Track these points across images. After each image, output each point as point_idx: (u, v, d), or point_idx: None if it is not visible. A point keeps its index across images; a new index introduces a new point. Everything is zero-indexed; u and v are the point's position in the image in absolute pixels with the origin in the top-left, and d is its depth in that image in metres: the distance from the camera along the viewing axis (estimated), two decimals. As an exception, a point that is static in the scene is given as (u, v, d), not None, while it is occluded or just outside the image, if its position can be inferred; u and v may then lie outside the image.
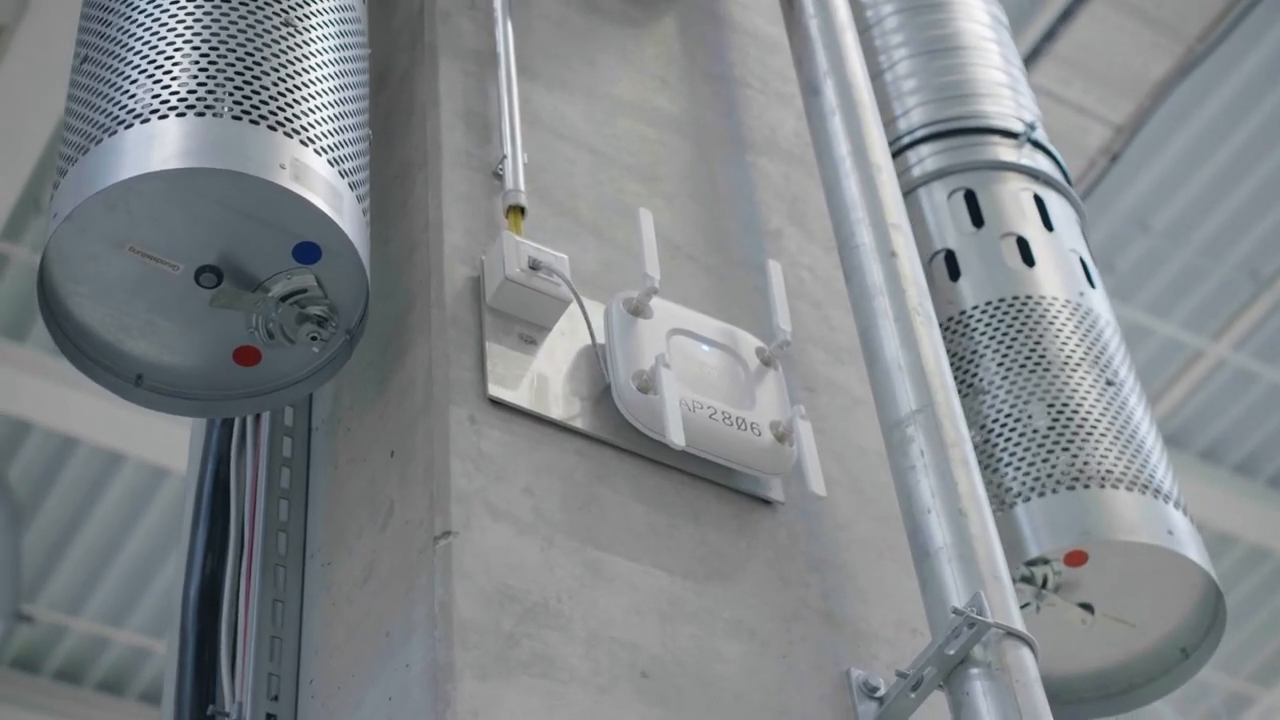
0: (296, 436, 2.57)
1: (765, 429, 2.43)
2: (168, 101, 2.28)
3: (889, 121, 3.24)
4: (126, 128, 2.27)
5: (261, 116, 2.29)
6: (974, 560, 2.29)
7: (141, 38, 2.36)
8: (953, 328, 2.95)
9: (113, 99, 2.31)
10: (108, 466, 8.75)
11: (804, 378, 2.64)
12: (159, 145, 2.25)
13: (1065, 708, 2.87)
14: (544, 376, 2.38)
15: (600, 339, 2.42)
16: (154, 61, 2.33)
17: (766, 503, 2.44)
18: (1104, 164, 7.35)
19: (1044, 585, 2.73)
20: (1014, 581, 2.68)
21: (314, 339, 2.35)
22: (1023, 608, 2.70)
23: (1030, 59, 7.08)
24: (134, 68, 2.33)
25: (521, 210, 2.52)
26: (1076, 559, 2.72)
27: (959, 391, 2.87)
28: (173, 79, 2.30)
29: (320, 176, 2.29)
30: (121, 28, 2.40)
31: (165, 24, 2.37)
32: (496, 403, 2.32)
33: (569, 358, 2.42)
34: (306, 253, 2.32)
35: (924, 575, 2.32)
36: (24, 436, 8.80)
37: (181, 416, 2.44)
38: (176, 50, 2.33)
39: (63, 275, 2.31)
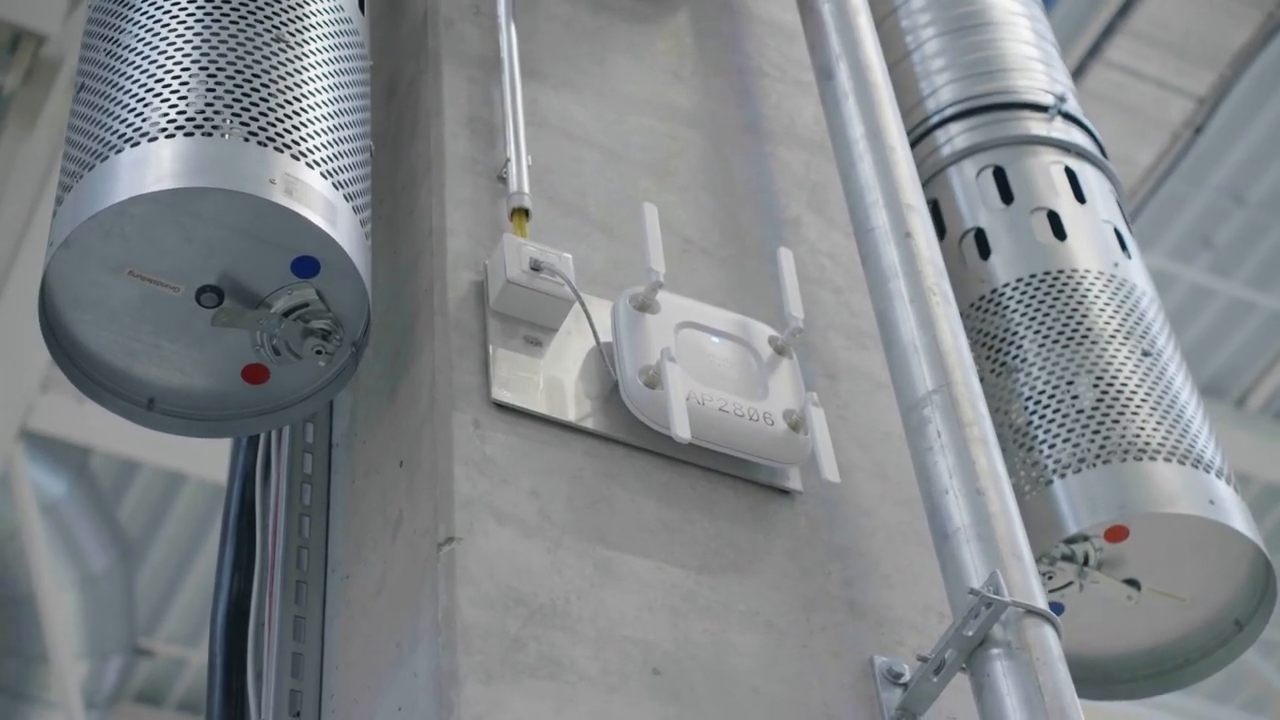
0: (317, 452, 2.57)
1: (778, 418, 2.40)
2: (158, 124, 2.29)
3: (917, 102, 3.20)
4: (118, 152, 2.28)
5: (252, 133, 2.29)
6: (993, 539, 2.25)
7: (133, 62, 2.37)
8: (985, 306, 2.91)
9: (104, 125, 2.32)
10: (215, 499, 8.83)
11: (825, 365, 2.61)
12: (149, 167, 2.25)
13: (1120, 686, 2.82)
14: (550, 377, 2.37)
15: (607, 337, 2.40)
16: (144, 85, 2.34)
17: (784, 492, 2.41)
18: (1188, 137, 7.25)
19: (1086, 563, 2.67)
20: (1055, 560, 2.66)
21: (319, 353, 2.34)
22: (1065, 586, 2.68)
23: (1105, 35, 7.00)
24: (125, 92, 2.34)
25: (526, 212, 2.51)
26: (1117, 534, 2.66)
27: (994, 371, 2.83)
28: (163, 101, 2.31)
29: (313, 189, 2.29)
30: (114, 54, 2.41)
31: (156, 47, 2.37)
32: (501, 406, 2.31)
33: (576, 357, 2.40)
34: (305, 267, 2.32)
35: (944, 557, 2.28)
36: (132, 475, 8.91)
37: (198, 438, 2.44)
38: (167, 73, 2.34)
39: (65, 303, 2.32)
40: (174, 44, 2.37)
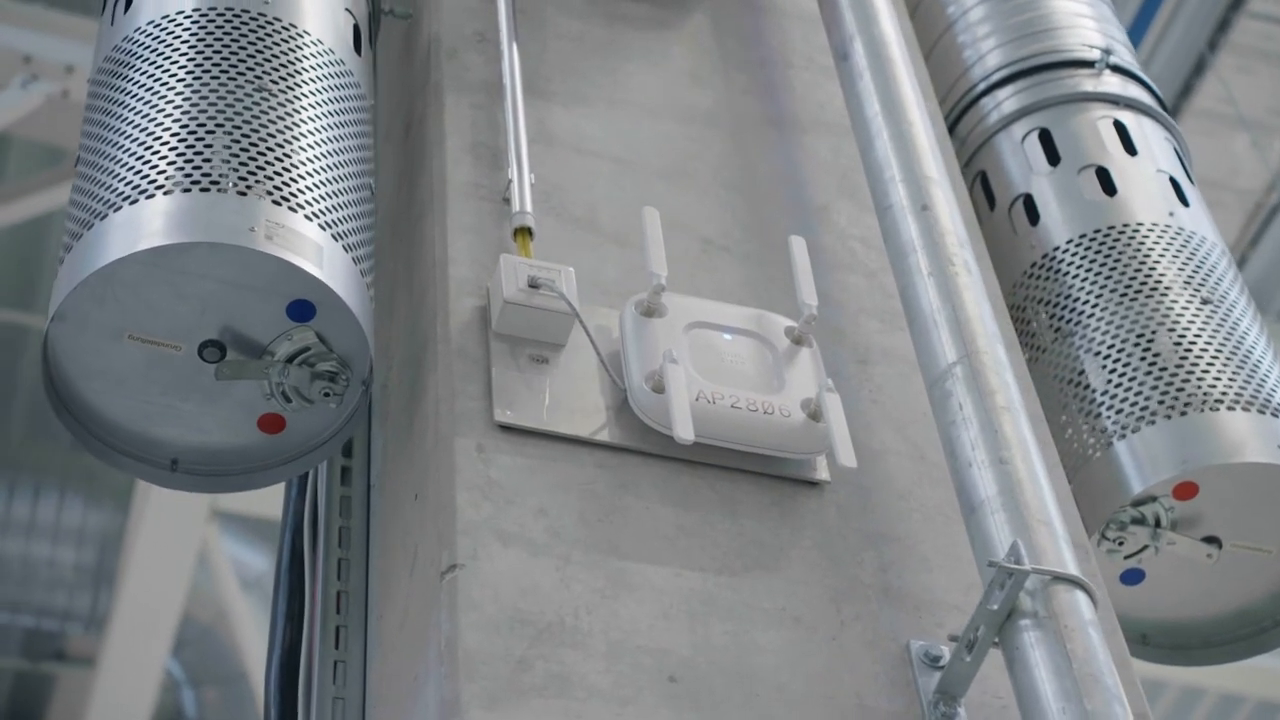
0: (356, 495, 2.56)
1: (795, 409, 2.34)
2: (138, 185, 2.29)
3: (964, 71, 3.13)
4: (102, 219, 2.29)
5: (232, 184, 2.29)
6: (1018, 508, 2.16)
7: (114, 126, 2.39)
8: (1037, 273, 2.83)
9: (91, 193, 2.34)
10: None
11: (857, 350, 2.55)
12: (129, 231, 2.26)
13: (1219, 649, 2.71)
14: (558, 394, 2.33)
15: (614, 347, 2.37)
16: (124, 148, 2.35)
17: (812, 484, 2.35)
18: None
19: (1158, 524, 2.57)
20: (1125, 525, 2.57)
21: (327, 395, 2.33)
22: (1140, 551, 2.59)
23: (1246, -13, 6.81)
24: (108, 158, 2.36)
25: (529, 231, 2.48)
26: (1186, 491, 2.56)
27: (1053, 338, 2.75)
28: (142, 162, 2.31)
29: (296, 233, 2.28)
30: (99, 121, 2.43)
31: (135, 109, 2.38)
32: (506, 428, 2.28)
33: (586, 370, 2.37)
34: (301, 310, 2.31)
35: (972, 531, 2.20)
36: (337, 543, 8.99)
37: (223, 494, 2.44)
38: (147, 134, 2.34)
39: (72, 373, 2.33)
40: (154, 105, 2.38)
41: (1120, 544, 2.57)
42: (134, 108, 2.40)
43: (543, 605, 2.11)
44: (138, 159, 2.33)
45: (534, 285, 2.37)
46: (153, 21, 2.51)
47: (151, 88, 2.41)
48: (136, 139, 2.36)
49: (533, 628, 2.09)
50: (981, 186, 3.00)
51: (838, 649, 2.18)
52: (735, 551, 2.25)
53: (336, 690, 2.36)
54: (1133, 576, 2.62)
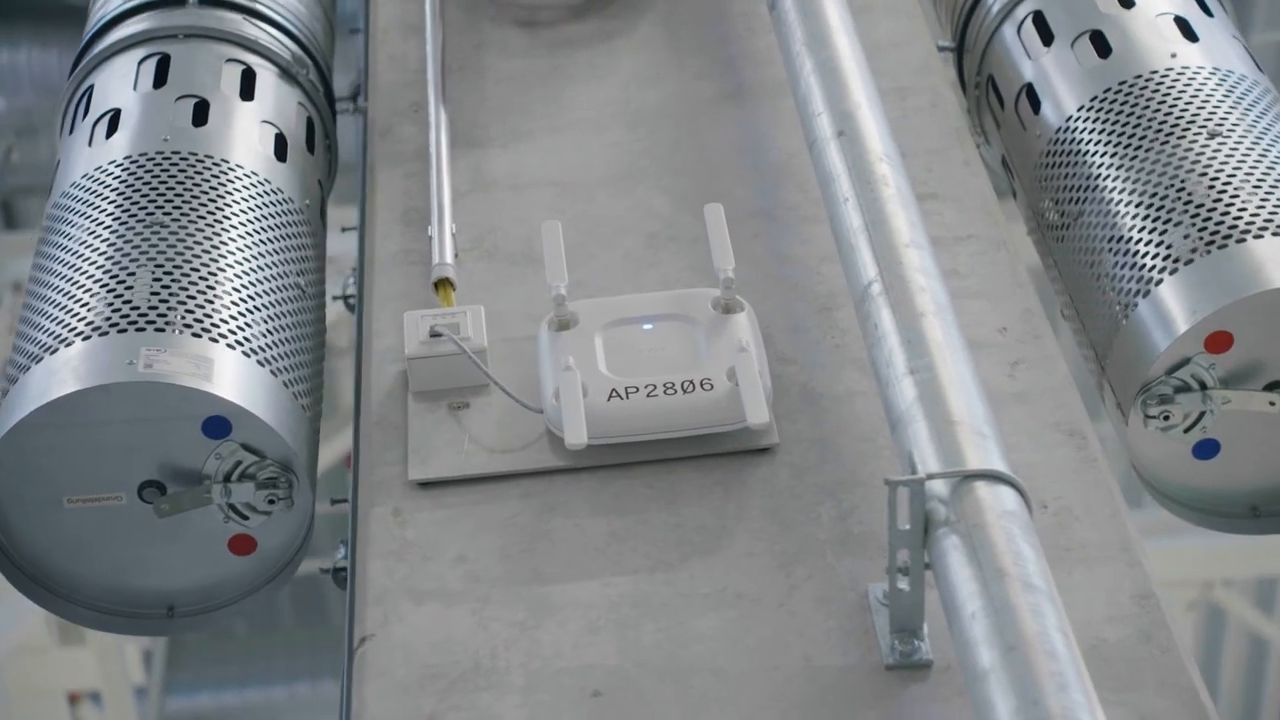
0: (378, 594, 2.49)
1: (720, 379, 2.19)
2: (31, 354, 2.30)
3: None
4: (4, 394, 2.31)
5: (113, 324, 2.27)
6: (924, 416, 1.97)
7: (26, 303, 2.42)
8: (1047, 161, 2.59)
9: (3, 373, 2.36)
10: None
11: (819, 299, 2.39)
12: (23, 398, 2.26)
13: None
14: (479, 436, 2.24)
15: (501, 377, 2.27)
16: (28, 321, 2.37)
17: (760, 451, 2.19)
18: None
19: (1204, 387, 2.31)
20: (1171, 398, 2.32)
21: (273, 502, 2.29)
22: (1200, 420, 2.33)
23: None
24: (19, 335, 2.38)
25: (449, 282, 2.40)
26: (1219, 342, 2.29)
27: (1069, 229, 2.53)
28: (37, 329, 2.33)
29: (179, 355, 2.24)
30: (24, 301, 2.46)
31: (40, 279, 2.42)
32: (426, 484, 2.19)
33: (508, 405, 2.26)
34: (216, 427, 2.27)
35: (898, 450, 2.01)
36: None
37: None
38: (45, 300, 2.36)
39: (38, 550, 2.33)
40: (54, 271, 2.40)
41: (1167, 418, 2.32)
42: (40, 279, 2.43)
43: (457, 654, 2.01)
44: (35, 327, 2.34)
45: (435, 334, 2.29)
46: (63, 191, 2.54)
47: (53, 254, 2.43)
48: (37, 309, 2.37)
49: (445, 680, 1.99)
50: (993, 91, 2.78)
51: (786, 615, 2.01)
52: (673, 544, 2.10)
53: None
54: (1206, 449, 2.35)
